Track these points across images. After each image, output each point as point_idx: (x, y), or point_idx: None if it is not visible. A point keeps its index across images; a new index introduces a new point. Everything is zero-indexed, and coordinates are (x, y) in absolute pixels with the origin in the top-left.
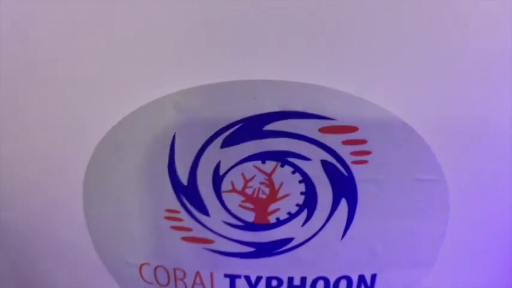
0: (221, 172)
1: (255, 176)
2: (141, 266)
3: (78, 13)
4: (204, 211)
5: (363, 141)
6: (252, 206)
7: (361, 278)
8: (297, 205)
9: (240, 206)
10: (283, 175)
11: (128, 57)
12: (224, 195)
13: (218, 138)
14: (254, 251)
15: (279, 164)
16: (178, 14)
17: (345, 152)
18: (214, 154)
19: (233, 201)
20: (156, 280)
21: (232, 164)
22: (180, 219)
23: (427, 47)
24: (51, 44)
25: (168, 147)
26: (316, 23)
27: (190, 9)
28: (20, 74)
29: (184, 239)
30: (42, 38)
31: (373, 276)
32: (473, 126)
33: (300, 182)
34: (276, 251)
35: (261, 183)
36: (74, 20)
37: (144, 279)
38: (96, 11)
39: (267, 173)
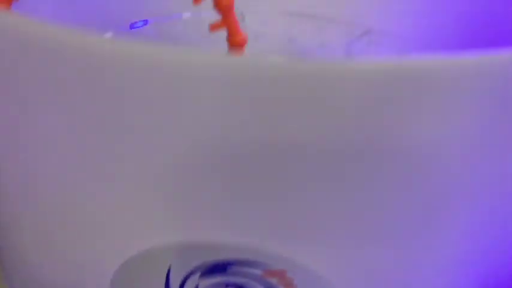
0: None
1: None
2: None
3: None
4: None
5: (291, 279)
6: None
7: None
8: None
9: None
10: None
11: (134, 224)
12: None
13: (197, 271)
14: None
15: None
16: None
17: (279, 284)
18: (194, 280)
19: None
20: None
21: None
22: None
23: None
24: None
25: (165, 273)
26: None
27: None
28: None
29: None
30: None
31: None
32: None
33: None
34: None
35: None
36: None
37: None
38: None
39: None
